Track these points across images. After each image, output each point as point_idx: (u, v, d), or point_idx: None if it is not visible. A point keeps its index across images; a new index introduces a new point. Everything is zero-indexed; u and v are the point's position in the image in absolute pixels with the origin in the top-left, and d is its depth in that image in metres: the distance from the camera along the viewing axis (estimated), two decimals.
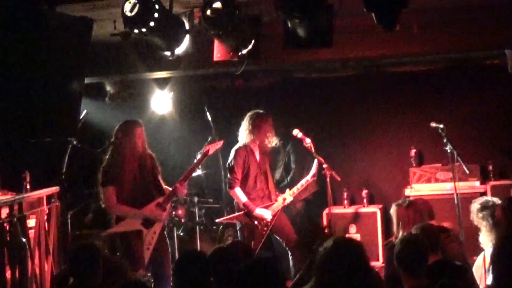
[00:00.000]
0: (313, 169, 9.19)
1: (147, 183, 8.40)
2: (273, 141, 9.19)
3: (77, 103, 7.94)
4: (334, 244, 5.05)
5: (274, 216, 9.10)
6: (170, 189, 8.46)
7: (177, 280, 5.69)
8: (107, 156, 8.44)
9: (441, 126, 9.39)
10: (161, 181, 8.55)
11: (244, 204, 9.05)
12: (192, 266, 5.61)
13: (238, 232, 9.32)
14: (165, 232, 8.58)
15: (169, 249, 8.53)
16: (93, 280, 6.00)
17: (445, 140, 9.34)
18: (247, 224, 9.10)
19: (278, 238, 9.26)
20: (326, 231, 9.45)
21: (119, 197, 8.23)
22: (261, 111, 9.25)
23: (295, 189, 9.23)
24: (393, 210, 7.71)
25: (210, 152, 8.77)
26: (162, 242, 8.42)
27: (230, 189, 9.18)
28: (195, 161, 8.78)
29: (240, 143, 9.23)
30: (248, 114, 9.23)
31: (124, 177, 8.27)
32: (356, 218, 10.36)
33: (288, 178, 10.46)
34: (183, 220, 10.03)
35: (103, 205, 8.35)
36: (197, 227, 9.97)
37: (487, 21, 8.87)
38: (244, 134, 9.20)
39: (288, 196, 9.20)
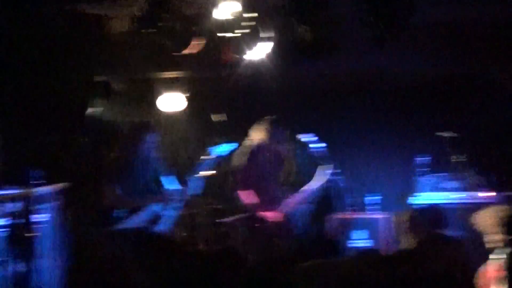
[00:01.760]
0: (318, 175, 9.20)
1: (152, 185, 8.42)
2: (282, 146, 9.22)
3: (86, 101, 8.00)
4: None
5: (277, 220, 9.12)
6: None
7: None
8: (113, 155, 8.48)
9: (449, 134, 9.41)
10: (165, 184, 8.56)
11: (248, 207, 9.08)
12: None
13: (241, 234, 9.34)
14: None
15: None
16: None
17: (452, 149, 9.36)
18: (250, 226, 9.13)
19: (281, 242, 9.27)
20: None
21: (125, 196, 8.28)
22: (275, 117, 9.26)
23: (300, 194, 9.24)
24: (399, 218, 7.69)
25: (221, 155, 8.76)
26: None
27: (236, 191, 9.21)
28: (202, 163, 8.75)
29: (247, 145, 9.27)
30: (263, 119, 9.25)
31: (129, 177, 8.30)
32: (360, 224, 10.33)
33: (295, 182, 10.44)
34: (185, 221, 10.04)
35: (108, 202, 8.38)
36: (200, 229, 9.97)
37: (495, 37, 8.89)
38: (254, 137, 9.24)
39: (292, 201, 9.21)
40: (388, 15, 7.01)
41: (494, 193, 9.88)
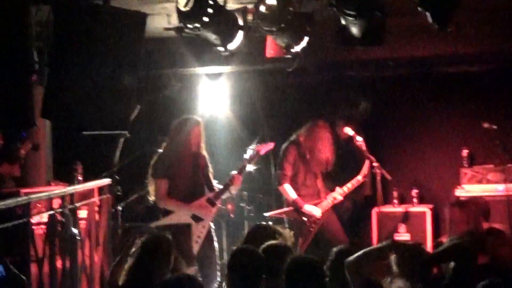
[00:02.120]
0: (364, 169, 9.19)
1: (198, 181, 8.43)
2: (323, 150, 9.21)
3: (131, 97, 8.02)
4: None
5: (323, 213, 9.12)
6: (221, 186, 8.49)
7: (230, 276, 5.68)
8: (160, 150, 8.50)
9: (494, 126, 9.33)
10: (212, 180, 8.58)
11: (293, 201, 9.10)
12: (245, 261, 5.61)
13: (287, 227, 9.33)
14: (213, 231, 8.58)
15: (216, 247, 8.54)
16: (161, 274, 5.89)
17: (497, 141, 9.28)
18: (296, 220, 9.13)
19: (326, 237, 9.25)
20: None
21: (170, 191, 8.28)
22: (322, 120, 9.24)
23: (346, 188, 9.23)
24: (446, 210, 7.65)
25: (262, 153, 8.75)
26: (210, 240, 8.44)
27: (279, 185, 9.24)
28: (246, 157, 8.74)
29: (292, 140, 9.27)
30: (312, 120, 9.23)
31: (176, 172, 8.31)
32: (405, 217, 10.27)
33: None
34: (232, 215, 10.06)
35: (152, 198, 8.39)
36: (246, 222, 9.98)
37: None
38: (299, 134, 9.25)
39: (338, 195, 9.21)
40: (437, 2, 6.96)
41: None
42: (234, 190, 8.57)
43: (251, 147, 8.79)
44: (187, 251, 8.09)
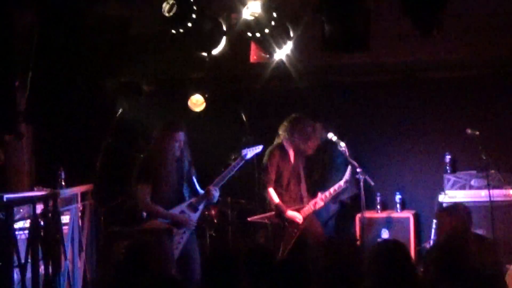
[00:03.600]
0: (347, 174, 9.19)
1: (181, 185, 8.42)
2: (309, 147, 9.20)
3: (113, 102, 8.01)
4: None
5: (304, 219, 9.13)
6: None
7: (206, 280, 5.69)
8: (143, 155, 8.48)
9: (477, 132, 9.36)
10: (196, 184, 8.56)
11: (276, 205, 9.10)
12: (222, 266, 5.61)
13: (269, 232, 9.34)
14: (195, 234, 8.58)
15: (198, 251, 8.53)
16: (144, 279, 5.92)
17: (480, 147, 9.31)
18: (278, 224, 9.14)
19: (308, 241, 9.26)
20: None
21: (153, 196, 8.26)
22: (303, 116, 9.23)
23: (327, 193, 9.23)
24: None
25: (248, 157, 8.75)
26: (192, 243, 8.43)
27: (263, 189, 9.23)
28: (232, 165, 8.73)
29: (275, 144, 9.27)
30: (291, 116, 9.23)
31: (160, 178, 8.29)
32: (388, 223, 10.31)
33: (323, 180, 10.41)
34: (215, 220, 10.06)
35: (137, 202, 8.37)
36: (229, 227, 9.98)
37: None
38: (281, 136, 9.23)
39: (319, 200, 9.21)
40: (421, 8, 6.98)
41: None
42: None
43: (238, 155, 8.77)
44: (168, 256, 8.08)
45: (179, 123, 8.47)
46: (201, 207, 8.51)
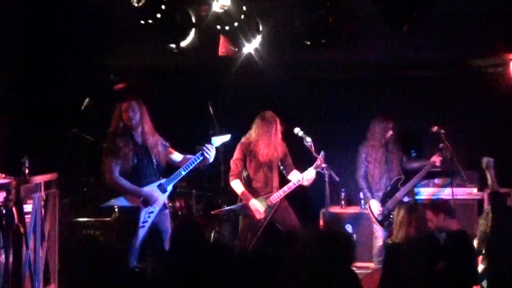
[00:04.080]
0: (314, 167, 9.20)
1: (150, 166, 8.40)
2: (278, 139, 9.23)
3: (80, 90, 7.96)
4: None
5: (271, 207, 9.13)
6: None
7: (173, 248, 5.69)
8: (111, 135, 8.43)
9: (443, 130, 9.43)
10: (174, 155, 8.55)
11: (241, 194, 9.13)
12: (188, 233, 5.63)
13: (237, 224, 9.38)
14: (168, 216, 8.62)
15: (169, 225, 8.57)
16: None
17: (444, 146, 9.39)
18: (244, 215, 9.18)
19: (281, 230, 9.29)
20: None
21: (121, 174, 8.25)
22: (270, 113, 9.24)
23: (286, 188, 9.23)
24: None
25: (216, 145, 8.74)
26: (165, 221, 8.47)
27: (230, 182, 9.26)
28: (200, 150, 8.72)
29: (245, 137, 9.28)
30: (260, 113, 9.23)
31: (127, 157, 8.26)
32: (352, 218, 10.37)
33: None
34: (180, 213, 10.05)
35: (104, 180, 8.32)
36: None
37: (494, 28, 8.89)
38: (251, 130, 9.25)
39: (286, 188, 9.21)
40: (406, 5, 7.02)
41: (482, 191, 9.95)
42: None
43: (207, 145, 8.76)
44: (132, 234, 8.08)
45: (139, 102, 8.46)
46: (170, 188, 8.49)
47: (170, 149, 8.59)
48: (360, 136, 10.02)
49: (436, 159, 9.60)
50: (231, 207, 9.33)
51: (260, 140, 9.22)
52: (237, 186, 9.21)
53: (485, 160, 7.96)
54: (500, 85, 10.09)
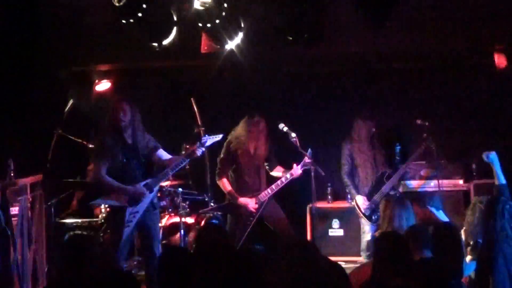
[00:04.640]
0: (300, 164, 9.21)
1: (139, 166, 8.39)
2: (256, 145, 9.24)
3: (64, 92, 7.94)
4: None
5: (260, 205, 9.14)
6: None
7: (161, 276, 5.69)
8: (101, 134, 8.42)
9: (427, 123, 9.47)
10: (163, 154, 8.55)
11: (228, 193, 9.14)
12: (175, 261, 5.62)
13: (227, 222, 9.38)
14: (158, 215, 8.63)
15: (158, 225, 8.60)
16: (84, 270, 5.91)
17: (429, 137, 9.42)
18: (231, 214, 9.18)
19: (271, 228, 9.30)
20: None
21: (109, 174, 8.25)
22: (256, 116, 9.24)
23: (274, 186, 9.24)
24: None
25: (207, 144, 8.68)
26: (153, 220, 8.44)
27: (217, 180, 9.27)
28: (191, 149, 8.69)
29: (231, 136, 9.28)
30: (246, 117, 9.24)
31: (116, 156, 8.25)
32: (339, 213, 10.39)
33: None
34: (166, 211, 10.07)
35: (91, 178, 8.29)
36: (180, 219, 9.95)
37: (477, 20, 8.94)
38: (238, 129, 9.26)
39: (274, 186, 9.22)
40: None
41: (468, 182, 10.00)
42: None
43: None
44: (117, 233, 8.07)
45: (123, 98, 8.46)
46: (156, 188, 8.48)
47: (160, 149, 8.57)
48: (344, 130, 10.04)
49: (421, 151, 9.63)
50: (219, 205, 9.34)
51: (246, 138, 9.23)
52: (224, 185, 9.23)
53: (484, 155, 7.92)
54: (484, 76, 10.16)
